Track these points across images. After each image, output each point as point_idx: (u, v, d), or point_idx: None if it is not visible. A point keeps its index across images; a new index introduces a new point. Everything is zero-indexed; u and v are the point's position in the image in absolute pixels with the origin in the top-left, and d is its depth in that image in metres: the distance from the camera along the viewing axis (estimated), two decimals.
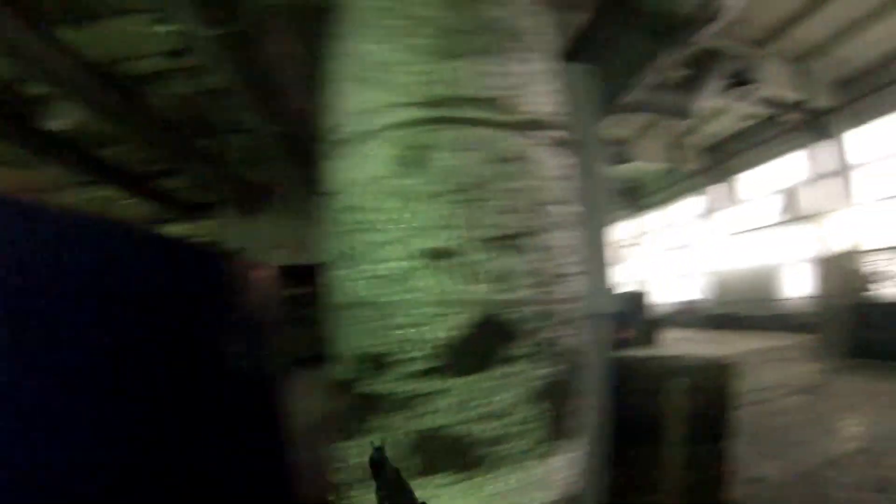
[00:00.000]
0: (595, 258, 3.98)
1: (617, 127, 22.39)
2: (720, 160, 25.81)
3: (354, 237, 2.71)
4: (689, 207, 29.51)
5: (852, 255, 15.51)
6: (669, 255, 31.60)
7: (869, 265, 14.75)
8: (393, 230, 2.57)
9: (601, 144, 4.05)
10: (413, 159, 2.61)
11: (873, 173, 18.74)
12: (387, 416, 2.57)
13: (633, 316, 22.21)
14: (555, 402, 2.66)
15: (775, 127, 21.04)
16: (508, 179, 2.70)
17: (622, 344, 20.04)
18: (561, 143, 3.07)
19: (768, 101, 19.07)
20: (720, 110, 21.71)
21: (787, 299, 22.58)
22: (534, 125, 2.84)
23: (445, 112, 2.64)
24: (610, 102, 12.79)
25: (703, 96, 15.63)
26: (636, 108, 15.11)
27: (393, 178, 2.61)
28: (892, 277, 14.12)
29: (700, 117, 22.01)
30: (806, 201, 21.42)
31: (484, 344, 2.57)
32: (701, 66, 15.42)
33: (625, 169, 28.08)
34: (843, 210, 19.38)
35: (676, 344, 21.18)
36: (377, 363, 2.59)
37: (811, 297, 19.18)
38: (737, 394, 5.31)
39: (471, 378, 2.51)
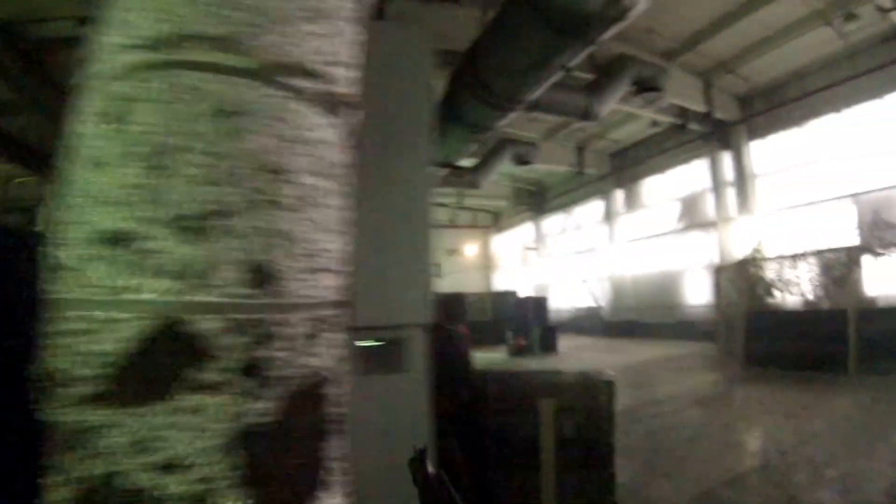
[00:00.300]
0: (411, 258, 3.20)
1: (524, 128, 22.25)
2: (624, 166, 25.90)
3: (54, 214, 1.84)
4: (591, 212, 29.35)
5: (751, 263, 15.61)
6: (571, 259, 31.27)
7: (768, 273, 14.80)
8: (79, 206, 1.76)
9: (430, 123, 3.27)
10: (115, 114, 1.80)
11: (772, 184, 19.06)
12: (62, 454, 1.64)
13: (531, 322, 21.90)
14: (268, 448, 1.76)
15: (680, 136, 21.07)
16: (226, 140, 1.84)
17: (518, 352, 20.25)
18: (334, 101, 2.17)
19: (674, 111, 19.52)
20: (627, 117, 21.98)
21: (688, 306, 22.45)
22: (287, 72, 1.95)
23: (166, 55, 1.80)
24: (513, 99, 12.69)
25: (609, 100, 15.51)
26: (542, 107, 14.85)
27: (92, 139, 1.82)
28: (789, 285, 14.14)
29: (607, 123, 22.48)
30: (707, 209, 21.58)
31: (163, 363, 1.66)
32: (609, 71, 15.36)
33: (530, 171, 27.82)
34: (744, 218, 19.54)
35: (574, 352, 20.76)
36: (51, 382, 1.65)
37: (711, 305, 19.26)
38: (615, 413, 4.92)
39: (145, 409, 1.62)
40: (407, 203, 3.31)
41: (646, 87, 15.52)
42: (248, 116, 1.86)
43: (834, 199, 16.61)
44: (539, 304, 23.43)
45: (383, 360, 3.19)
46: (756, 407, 9.97)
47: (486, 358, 20.27)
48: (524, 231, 35.77)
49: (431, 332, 4.69)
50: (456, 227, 37.34)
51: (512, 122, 20.34)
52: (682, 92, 17.82)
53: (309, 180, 2.00)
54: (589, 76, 15.66)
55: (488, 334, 23.70)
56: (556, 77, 12.16)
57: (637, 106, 17.08)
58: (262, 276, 1.77)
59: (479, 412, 4.97)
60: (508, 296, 27.77)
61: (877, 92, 15.17)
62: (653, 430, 8.85)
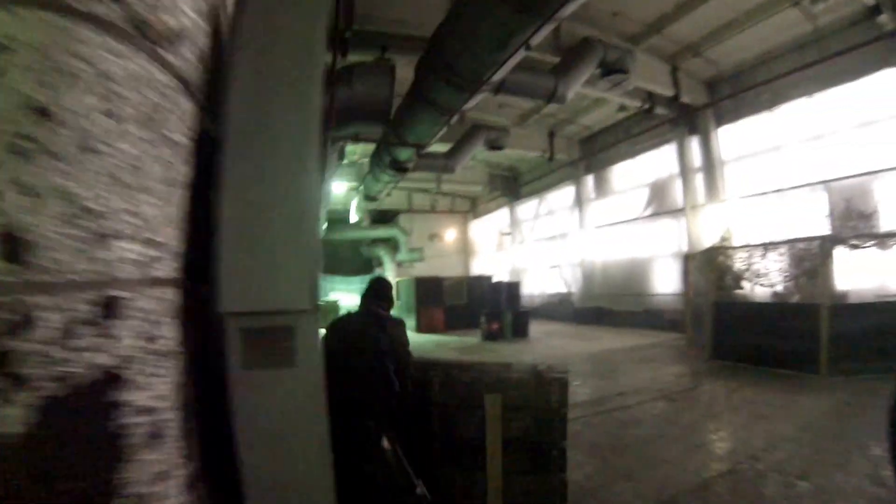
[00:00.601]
0: (293, 231, 2.80)
1: (496, 113, 22.41)
2: (594, 151, 25.84)
3: None
4: (562, 198, 29.26)
5: (719, 251, 15.33)
6: (543, 245, 31.13)
7: (736, 263, 14.52)
8: None
9: (322, 73, 2.95)
10: None
11: (741, 170, 18.89)
12: None
13: (504, 307, 21.94)
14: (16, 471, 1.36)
15: (648, 121, 21.01)
16: None
17: (490, 336, 20.33)
18: (147, 30, 1.88)
19: (641, 95, 19.43)
20: (595, 102, 21.97)
21: (656, 295, 22.30)
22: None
23: None
24: (478, 80, 12.56)
25: (576, 83, 15.42)
26: (509, 88, 14.79)
27: None
28: (758, 276, 13.87)
29: (576, 108, 22.63)
30: (675, 195, 21.43)
31: None
32: (575, 54, 15.28)
33: (504, 156, 28.04)
34: (712, 205, 19.37)
35: (543, 338, 20.86)
36: None
37: (679, 294, 19.17)
38: (567, 413, 4.64)
39: None
40: (291, 170, 2.89)
41: (612, 69, 15.48)
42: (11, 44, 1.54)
43: (805, 186, 16.42)
44: (512, 289, 23.32)
45: (268, 352, 2.81)
46: (723, 404, 9.72)
47: (459, 342, 20.77)
48: (500, 217, 35.71)
49: (364, 319, 4.39)
50: (436, 212, 37.48)
51: (483, 108, 20.42)
52: (649, 75, 17.73)
53: (102, 124, 1.69)
54: (555, 59, 15.58)
55: (464, 318, 24.46)
56: (519, 56, 12.18)
57: (603, 89, 16.84)
58: (16, 245, 1.43)
59: (422, 408, 4.75)
60: (484, 280, 27.86)
61: (848, 75, 14.96)
62: (613, 425, 8.68)
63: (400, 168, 20.01)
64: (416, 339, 22.87)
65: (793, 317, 12.30)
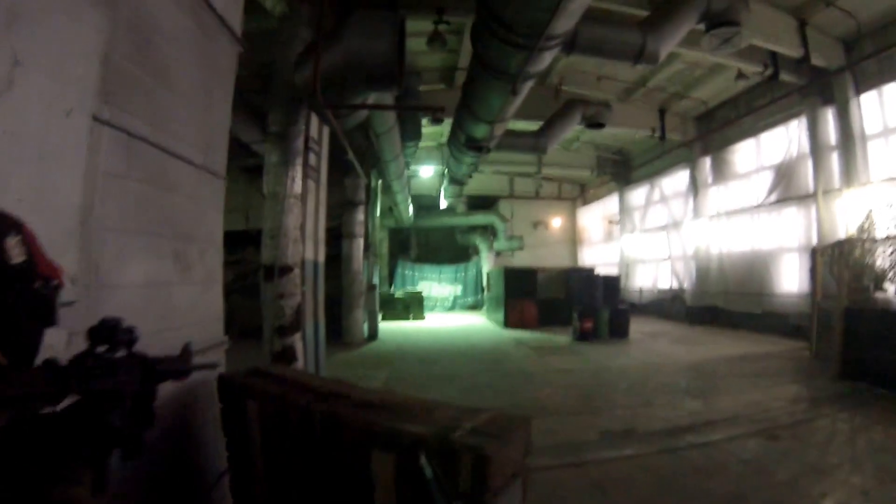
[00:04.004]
0: None
1: (595, 87, 20.13)
2: (711, 129, 22.60)
3: None
4: (676, 183, 26.39)
5: (856, 245, 12.46)
6: (654, 235, 28.37)
7: (877, 259, 11.74)
8: None
9: None
10: None
11: (887, 147, 15.43)
12: None
13: (601, 304, 19.89)
14: None
15: (773, 91, 17.87)
16: None
17: (583, 336, 18.38)
18: None
19: (762, 57, 16.20)
20: (710, 71, 19.22)
21: (779, 295, 19.10)
22: None
23: None
24: (537, 34, 10.04)
25: (670, 38, 12.65)
26: (583, 45, 12.33)
27: None
28: None
29: (688, 80, 20.16)
30: (805, 179, 18.09)
31: None
32: (670, 3, 12.52)
33: (613, 138, 26.09)
34: (850, 190, 15.96)
35: (646, 341, 18.54)
36: None
37: (805, 295, 16.26)
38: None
39: None
40: None
41: (718, 21, 12.46)
42: None
43: None
44: (610, 283, 21.20)
45: None
46: (843, 451, 6.99)
47: (544, 340, 19.32)
48: (609, 203, 33.20)
49: None
50: (540, 198, 35.51)
51: (580, 81, 18.71)
52: (770, 31, 14.60)
53: None
54: (643, 12, 13.07)
55: (560, 314, 21.75)
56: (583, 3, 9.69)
57: (710, 48, 13.51)
58: None
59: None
60: (585, 273, 25.26)
61: None
62: (680, 472, 6.45)
63: (478, 147, 17.83)
64: (491, 334, 21.64)
65: None
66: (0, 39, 2.05)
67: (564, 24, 10.20)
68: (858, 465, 6.44)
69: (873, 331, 10.59)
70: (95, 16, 2.68)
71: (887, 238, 11.98)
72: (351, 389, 3.87)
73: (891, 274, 11.33)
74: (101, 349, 1.65)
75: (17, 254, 1.55)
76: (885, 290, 11.49)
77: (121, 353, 1.68)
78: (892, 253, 11.38)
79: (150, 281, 3.60)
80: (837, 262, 12.47)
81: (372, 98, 10.65)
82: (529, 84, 13.21)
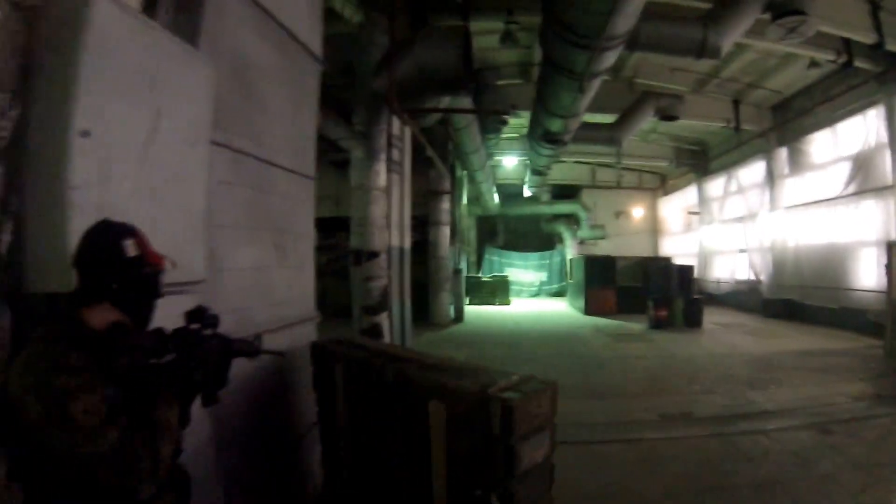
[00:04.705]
0: None
1: (668, 79, 20.00)
2: (787, 119, 22.20)
3: None
4: (752, 174, 25.83)
5: None
6: (731, 226, 27.95)
7: None
8: None
9: None
10: None
11: None
12: None
13: (675, 293, 19.89)
14: None
15: (850, 79, 17.23)
16: None
17: (657, 324, 18.62)
18: None
19: (835, 45, 15.73)
20: (783, 60, 18.76)
21: (858, 290, 18.46)
22: None
23: None
24: (600, 35, 10.43)
25: (733, 31, 12.67)
26: (645, 43, 12.53)
27: None
28: None
29: (762, 70, 19.83)
30: (884, 169, 17.30)
31: None
32: None
33: (690, 129, 25.80)
34: None
35: (719, 332, 18.51)
36: None
37: (884, 291, 15.44)
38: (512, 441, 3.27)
39: None
40: None
41: (784, 11, 12.21)
42: None
43: None
44: (685, 273, 21.08)
45: None
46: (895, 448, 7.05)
47: (620, 327, 19.67)
48: (688, 194, 32.83)
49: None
50: (622, 188, 35.34)
51: (653, 73, 18.76)
52: (840, 17, 14.07)
53: None
54: (706, 5, 13.10)
55: (638, 302, 21.70)
56: (641, 2, 9.95)
57: (776, 38, 13.21)
58: None
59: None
60: (663, 262, 25.24)
61: None
62: (727, 455, 6.77)
63: (554, 140, 18.16)
64: (571, 320, 22.16)
65: None
66: (148, 99, 2.90)
67: (624, 24, 10.49)
68: None
69: None
70: (206, 68, 3.51)
71: None
72: (418, 355, 4.58)
73: None
74: (194, 326, 2.42)
75: (131, 250, 2.26)
76: None
77: (208, 332, 2.44)
78: None
79: (255, 265, 4.46)
80: None
81: (447, 100, 11.32)
82: (598, 81, 13.51)
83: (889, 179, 16.69)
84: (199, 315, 2.43)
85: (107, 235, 2.25)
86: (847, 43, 15.43)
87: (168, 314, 2.43)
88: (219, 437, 3.64)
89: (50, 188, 2.48)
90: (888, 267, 13.68)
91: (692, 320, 19.19)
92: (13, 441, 1.97)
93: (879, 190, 17.37)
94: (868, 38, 14.34)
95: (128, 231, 2.29)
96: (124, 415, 2.00)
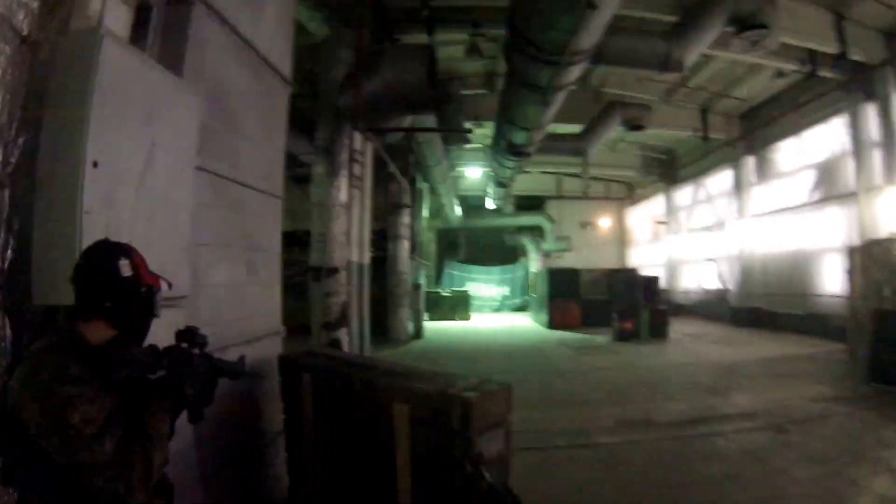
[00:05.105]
0: None
1: (636, 89, 20.64)
2: (754, 128, 23.11)
3: None
4: (720, 182, 26.78)
5: (890, 243, 12.77)
6: (699, 236, 28.86)
7: None
8: None
9: None
10: None
11: None
12: None
13: (641, 304, 20.32)
14: None
15: (815, 88, 18.06)
16: None
17: (622, 336, 19.07)
18: None
19: (799, 55, 16.55)
20: (750, 69, 19.56)
21: (823, 296, 19.36)
22: None
23: None
24: (565, 50, 11.03)
25: (697, 45, 13.44)
26: (610, 57, 13.11)
27: None
28: None
29: (729, 79, 20.60)
30: (848, 177, 18.27)
31: None
32: (697, 9, 13.09)
33: (658, 138, 26.55)
34: (893, 187, 16.29)
35: (686, 342, 19.26)
36: None
37: (846, 297, 16.09)
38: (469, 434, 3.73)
39: None
40: None
41: (747, 25, 12.82)
42: None
43: None
44: (650, 283, 21.59)
45: None
46: (846, 445, 7.58)
47: (585, 340, 20.24)
48: (656, 204, 33.68)
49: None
50: (588, 198, 35.29)
51: (621, 83, 19.17)
52: (804, 28, 14.88)
53: None
54: (671, 18, 13.71)
55: (603, 315, 22.01)
56: (605, 18, 10.47)
57: (741, 51, 14.13)
58: None
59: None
60: (624, 273, 25.69)
61: None
62: (683, 456, 7.29)
63: (518, 152, 18.71)
64: (534, 334, 22.73)
65: None
66: (145, 130, 3.36)
67: (588, 40, 11.08)
68: (858, 458, 7.00)
69: None
70: (193, 98, 3.98)
71: None
72: (383, 364, 5.08)
73: None
74: (184, 345, 2.67)
75: (126, 270, 2.48)
76: None
77: (196, 351, 2.69)
78: None
79: (229, 282, 4.90)
80: (869, 262, 12.86)
81: (410, 117, 11.78)
82: (563, 94, 14.06)
83: (853, 186, 17.56)
84: (189, 335, 2.70)
85: (103, 255, 2.48)
86: (812, 53, 16.21)
87: (154, 327, 2.72)
88: (198, 443, 4.04)
89: (64, 211, 2.87)
90: (849, 272, 14.26)
91: (658, 331, 19.69)
92: (11, 447, 2.14)
93: (844, 197, 18.21)
94: (832, 48, 15.20)
95: (123, 251, 2.52)
96: (120, 425, 2.20)
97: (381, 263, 18.52)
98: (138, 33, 3.75)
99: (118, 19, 3.34)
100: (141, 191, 3.32)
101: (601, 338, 20.32)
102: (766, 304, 22.53)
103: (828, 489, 5.99)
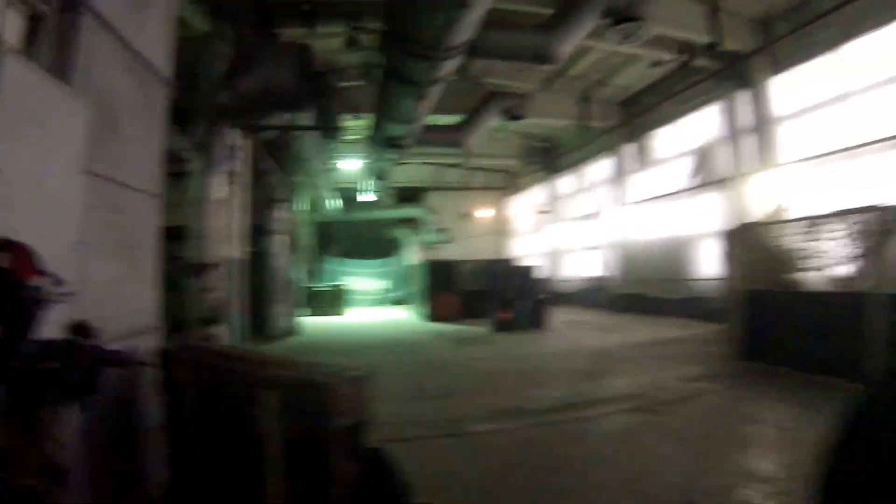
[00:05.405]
0: None
1: (516, 79, 21.27)
2: (634, 115, 24.22)
3: None
4: (601, 170, 27.99)
5: (762, 227, 13.52)
6: (581, 224, 29.99)
7: (783, 241, 12.35)
8: None
9: None
10: None
11: (801, 127, 16.84)
12: None
13: (520, 294, 20.92)
14: None
15: (692, 76, 19.02)
16: None
17: (501, 327, 19.57)
18: None
19: (675, 45, 17.78)
20: (629, 58, 20.60)
21: (701, 280, 20.57)
22: None
23: None
24: (441, 46, 11.61)
25: (571, 38, 14.11)
26: (485, 50, 13.77)
27: None
28: (810, 258, 11.52)
29: (609, 68, 21.56)
30: (722, 162, 19.59)
31: None
32: (573, 2, 13.70)
33: (536, 125, 27.13)
34: (765, 172, 17.59)
35: (565, 330, 20.09)
36: None
37: (723, 279, 16.89)
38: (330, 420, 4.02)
39: None
40: None
41: (622, 17, 13.53)
42: None
43: (882, 142, 14.07)
44: (528, 274, 22.32)
45: None
46: (714, 422, 8.26)
47: (463, 332, 20.66)
48: (537, 193, 34.59)
49: None
50: (469, 189, 36.58)
51: (501, 72, 19.54)
52: (678, 20, 16.04)
53: None
54: (548, 11, 14.33)
55: (483, 306, 22.63)
56: (479, 11, 10.98)
57: (617, 42, 14.68)
58: None
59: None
60: (502, 264, 26.55)
61: None
62: (550, 440, 7.66)
63: (396, 144, 19.09)
64: (413, 327, 23.15)
65: (840, 310, 10.24)
66: (40, 139, 3.68)
67: (462, 35, 11.60)
68: (726, 433, 7.62)
69: (773, 312, 11.72)
70: (82, 107, 4.29)
71: (788, 220, 13.18)
72: (255, 354, 5.53)
73: (796, 256, 11.89)
74: (74, 337, 2.94)
75: (4, 262, 2.63)
76: (791, 272, 12.09)
77: (86, 343, 2.96)
78: (797, 234, 11.89)
79: (112, 279, 5.15)
80: (742, 245, 13.38)
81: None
82: (439, 87, 14.58)
83: (728, 172, 18.72)
84: (79, 328, 2.96)
85: None
86: (687, 43, 17.30)
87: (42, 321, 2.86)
88: (85, 433, 4.32)
89: None
90: (725, 255, 14.71)
91: (537, 321, 20.45)
92: None
93: (720, 182, 19.34)
94: (707, 38, 16.09)
95: (4, 246, 2.68)
96: (12, 414, 2.41)
97: (259, 259, 18.58)
98: (30, 41, 4.00)
99: (13, 31, 3.65)
100: (38, 196, 3.64)
101: (480, 329, 20.88)
102: (646, 290, 23.57)
103: (692, 464, 6.39)
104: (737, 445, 7.07)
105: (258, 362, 4.97)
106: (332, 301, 28.70)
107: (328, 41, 15.88)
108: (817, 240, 11.25)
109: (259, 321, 17.53)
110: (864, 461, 2.59)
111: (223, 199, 11.09)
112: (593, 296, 27.52)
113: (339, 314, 28.26)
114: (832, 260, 10.93)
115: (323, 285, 30.96)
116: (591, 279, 28.44)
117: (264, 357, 5.34)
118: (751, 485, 5.55)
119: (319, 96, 11.84)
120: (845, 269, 10.80)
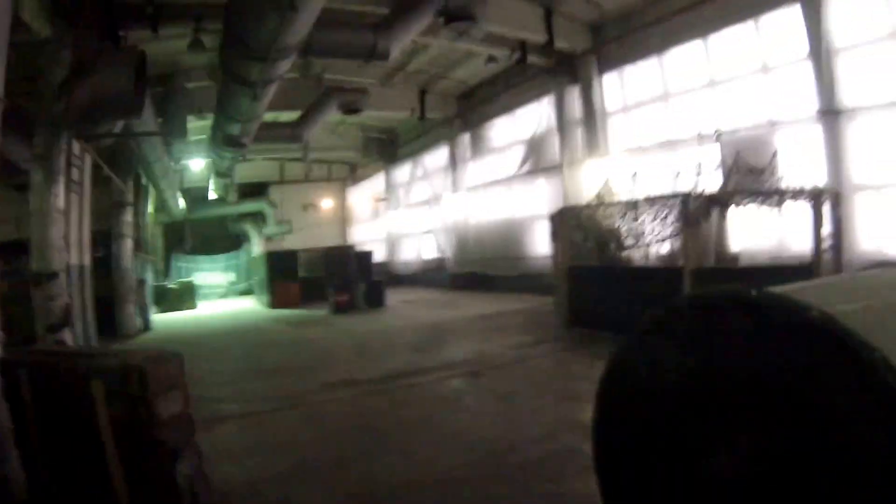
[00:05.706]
0: None
1: (355, 74, 21.19)
2: (470, 107, 25.23)
3: None
4: (437, 159, 28.86)
5: (587, 209, 14.54)
6: (418, 210, 30.80)
7: (605, 221, 13.55)
8: None
9: None
10: None
11: (626, 122, 18.23)
12: None
13: (356, 278, 22.03)
14: None
15: (528, 71, 20.32)
16: None
17: (339, 309, 20.42)
18: None
19: (510, 43, 18.30)
20: (467, 54, 21.01)
21: (535, 258, 21.57)
22: None
23: None
24: (274, 47, 11.86)
25: (403, 36, 14.66)
26: (318, 50, 14.27)
27: None
28: (628, 236, 12.74)
29: (448, 63, 22.12)
30: (554, 151, 20.72)
31: None
32: (408, 3, 14.19)
33: (375, 118, 27.79)
34: (592, 160, 18.69)
35: (403, 308, 21.10)
36: None
37: (551, 257, 17.64)
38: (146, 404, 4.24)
39: None
40: None
41: (454, 17, 13.93)
42: None
43: (696, 138, 15.34)
44: (365, 258, 23.68)
45: None
46: (533, 381, 9.01)
47: (303, 316, 21.22)
48: (377, 182, 35.38)
49: None
50: (311, 181, 36.94)
51: (342, 69, 19.77)
52: (515, 20, 16.83)
53: None
54: (384, 10, 14.76)
55: (322, 291, 23.18)
56: (313, 14, 11.36)
57: (451, 38, 15.49)
58: None
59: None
60: (338, 250, 27.17)
61: (746, 14, 14.00)
62: (379, 406, 8.14)
63: (235, 143, 19.17)
64: (256, 315, 23.57)
65: (650, 281, 11.77)
66: None
67: (294, 37, 11.90)
68: (544, 391, 8.29)
69: (593, 284, 12.91)
70: None
71: (607, 203, 14.11)
72: (87, 349, 5.70)
73: (615, 234, 13.07)
74: None
75: None
76: (612, 249, 13.30)
77: None
78: (616, 216, 13.04)
79: None
80: (562, 226, 14.29)
81: None
82: (274, 86, 14.84)
83: (558, 159, 19.96)
84: None
85: None
86: (522, 42, 18.00)
87: None
88: None
89: None
90: (552, 235, 15.47)
91: (374, 301, 21.57)
92: None
93: (550, 169, 20.62)
94: (540, 38, 17.21)
95: None
96: None
97: (107, 262, 18.38)
98: None
99: None
100: None
101: (320, 312, 21.46)
102: (481, 269, 24.58)
103: (518, 417, 7.06)
104: (557, 399, 7.73)
105: (86, 355, 5.18)
106: (183, 297, 28.20)
107: (175, 43, 15.82)
108: (635, 221, 12.44)
109: (112, 322, 17.39)
110: (616, 399, 3.25)
111: (64, 209, 11.00)
112: (431, 276, 28.59)
113: (191, 308, 27.96)
114: (647, 238, 12.16)
115: (174, 283, 30.46)
116: (428, 261, 29.48)
117: (92, 350, 5.54)
118: (571, 430, 6.02)
119: (157, 101, 11.92)
120: (657, 247, 12.23)
